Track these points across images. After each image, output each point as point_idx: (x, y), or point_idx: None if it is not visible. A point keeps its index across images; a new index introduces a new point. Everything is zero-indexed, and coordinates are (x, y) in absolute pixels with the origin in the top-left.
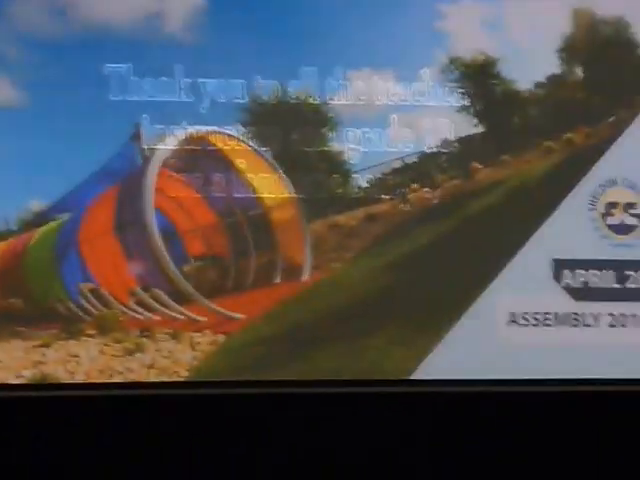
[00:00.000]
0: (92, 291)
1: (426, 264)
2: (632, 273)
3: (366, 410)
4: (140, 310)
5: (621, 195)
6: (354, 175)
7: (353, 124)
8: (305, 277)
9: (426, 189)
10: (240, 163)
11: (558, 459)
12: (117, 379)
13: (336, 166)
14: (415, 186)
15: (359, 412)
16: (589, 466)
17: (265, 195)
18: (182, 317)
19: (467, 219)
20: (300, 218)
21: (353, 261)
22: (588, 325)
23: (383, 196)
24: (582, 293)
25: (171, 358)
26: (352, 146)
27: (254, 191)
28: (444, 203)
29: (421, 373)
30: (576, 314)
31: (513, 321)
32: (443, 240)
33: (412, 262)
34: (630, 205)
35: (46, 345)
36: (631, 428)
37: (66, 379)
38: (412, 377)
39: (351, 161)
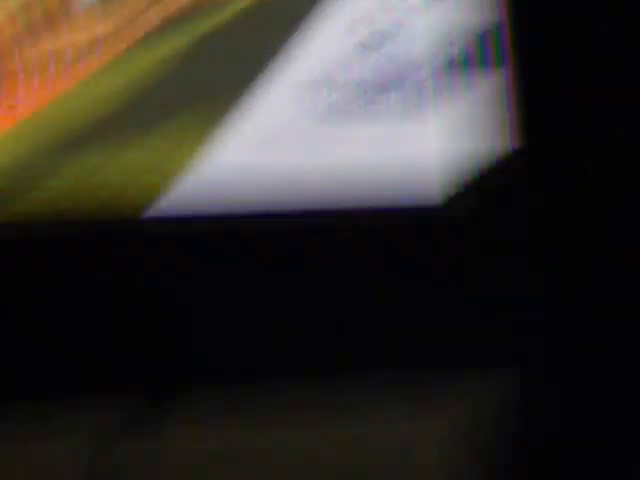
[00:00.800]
0: None
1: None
2: (387, 92)
3: None
4: None
5: (369, 6)
6: None
7: None
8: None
9: None
10: None
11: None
12: None
13: None
14: None
15: None
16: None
17: None
18: None
19: None
20: None
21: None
22: (345, 147)
23: None
24: (336, 114)
25: None
26: None
27: None
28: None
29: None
30: (331, 137)
31: (263, 145)
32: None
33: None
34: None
35: None
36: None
37: None
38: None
39: None
